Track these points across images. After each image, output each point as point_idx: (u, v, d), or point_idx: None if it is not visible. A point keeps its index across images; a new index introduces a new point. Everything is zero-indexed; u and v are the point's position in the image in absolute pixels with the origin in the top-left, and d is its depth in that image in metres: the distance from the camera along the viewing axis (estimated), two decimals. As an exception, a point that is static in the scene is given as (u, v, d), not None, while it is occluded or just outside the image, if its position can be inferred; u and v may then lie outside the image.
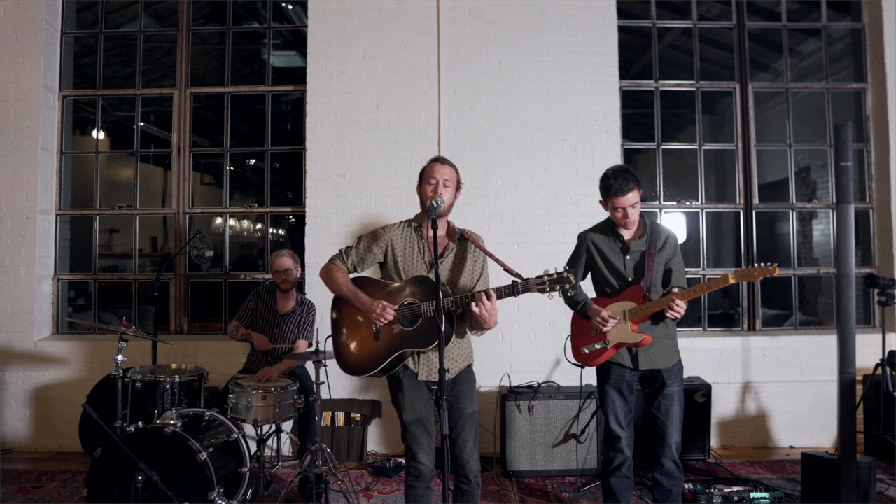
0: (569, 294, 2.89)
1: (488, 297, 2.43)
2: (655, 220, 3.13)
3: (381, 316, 2.52)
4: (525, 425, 4.01)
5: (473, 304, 2.43)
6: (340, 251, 2.75)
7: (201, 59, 6.34)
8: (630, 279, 2.94)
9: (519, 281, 2.44)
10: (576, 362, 3.12)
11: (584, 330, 3.03)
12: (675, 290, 2.81)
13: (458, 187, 2.69)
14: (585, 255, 3.06)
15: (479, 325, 2.55)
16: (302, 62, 5.07)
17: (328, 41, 4.70)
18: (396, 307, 2.56)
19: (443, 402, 2.24)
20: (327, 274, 2.70)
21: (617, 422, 2.99)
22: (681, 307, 2.71)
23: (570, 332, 3.15)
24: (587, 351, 2.98)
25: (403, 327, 2.56)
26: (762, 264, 2.60)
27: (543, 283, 2.42)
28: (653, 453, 3.01)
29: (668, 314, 2.74)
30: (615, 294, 2.96)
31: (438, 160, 2.68)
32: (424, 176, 2.66)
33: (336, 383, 4.43)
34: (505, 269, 2.50)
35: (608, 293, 3.01)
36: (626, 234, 2.97)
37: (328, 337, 2.79)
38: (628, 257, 2.95)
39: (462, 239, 2.70)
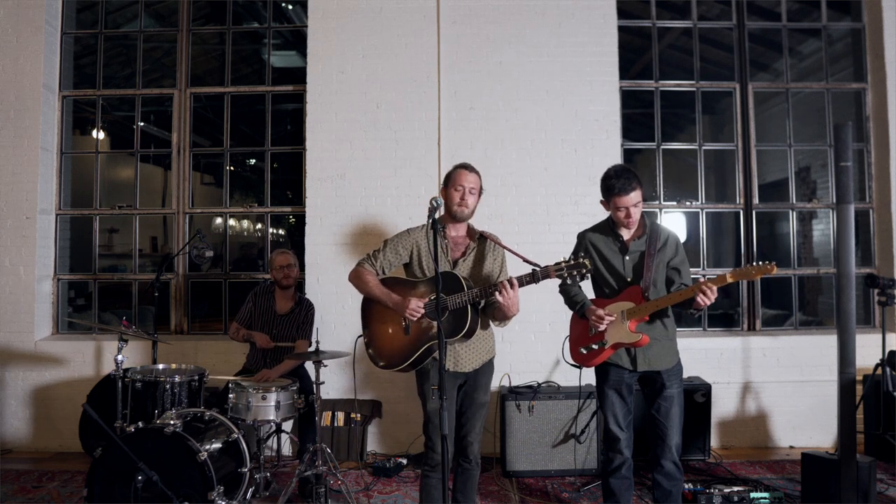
0: (577, 281, 2.82)
1: (511, 285, 2.58)
2: (655, 219, 3.11)
3: (413, 312, 2.67)
4: (525, 425, 4.00)
5: (497, 292, 2.59)
6: (368, 255, 2.91)
7: (201, 59, 6.34)
8: (629, 280, 2.93)
9: (538, 268, 2.61)
10: (574, 363, 3.12)
11: (582, 330, 3.02)
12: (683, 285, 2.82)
13: (480, 193, 2.89)
14: (584, 254, 3.05)
15: (502, 315, 2.72)
16: (302, 62, 5.07)
17: (328, 41, 4.70)
18: (425, 301, 2.71)
19: (443, 402, 2.28)
20: (357, 277, 2.87)
21: (616, 423, 2.98)
22: (714, 292, 2.61)
23: (568, 333, 3.14)
24: (585, 351, 2.97)
25: (431, 320, 2.70)
26: (760, 263, 2.58)
27: (561, 269, 2.58)
28: (652, 454, 3.00)
29: (699, 299, 2.63)
30: (614, 294, 2.95)
31: (466, 167, 2.88)
32: (451, 181, 2.84)
33: (337, 383, 4.44)
34: (524, 261, 2.69)
35: (607, 294, 3.00)
36: (626, 234, 2.96)
37: (359, 337, 2.97)
38: (627, 258, 2.94)
39: (482, 238, 2.88)
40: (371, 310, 2.88)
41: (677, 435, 2.94)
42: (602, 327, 2.86)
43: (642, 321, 2.86)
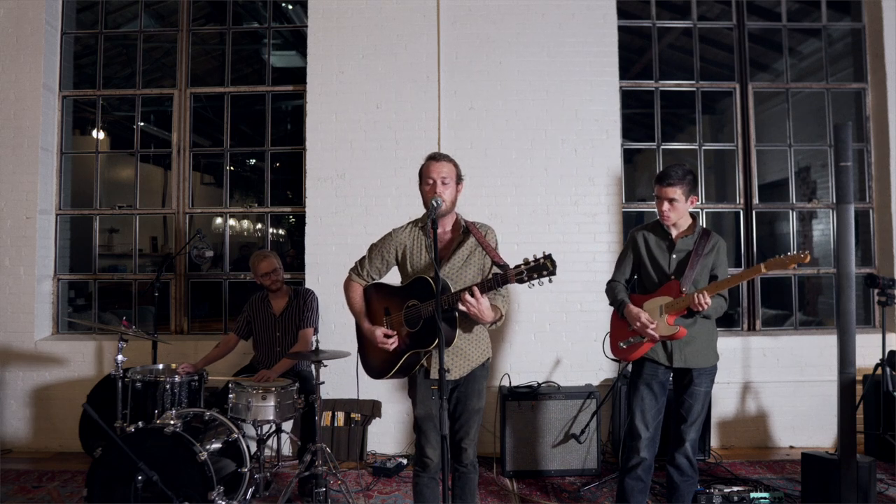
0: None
1: (472, 295, 2.41)
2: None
3: (384, 346, 2.62)
4: (525, 425, 4.00)
5: (460, 304, 2.42)
6: (356, 263, 2.81)
7: (201, 59, 6.34)
8: (671, 276, 2.97)
9: (499, 273, 2.42)
10: (613, 357, 3.17)
11: (622, 326, 3.06)
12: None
13: (458, 181, 2.67)
14: (632, 251, 3.11)
15: (479, 321, 2.54)
16: (302, 62, 5.07)
17: (328, 41, 4.70)
18: (402, 313, 2.63)
19: (442, 402, 2.23)
20: (346, 289, 2.83)
21: (643, 420, 2.99)
22: (706, 300, 2.73)
23: (608, 329, 3.20)
24: (624, 346, 3.01)
25: (409, 329, 2.60)
26: (793, 252, 2.68)
27: (521, 273, 2.34)
28: (668, 447, 3.05)
29: (692, 307, 2.76)
30: (654, 289, 2.99)
31: (434, 157, 2.66)
32: (422, 175, 2.66)
33: (337, 383, 4.44)
34: (493, 262, 2.49)
35: (648, 289, 3.04)
36: (674, 232, 3.00)
37: (357, 351, 2.90)
38: (674, 255, 2.98)
39: (466, 232, 2.67)
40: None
41: (694, 431, 2.98)
42: (649, 332, 2.88)
43: (680, 314, 2.88)
